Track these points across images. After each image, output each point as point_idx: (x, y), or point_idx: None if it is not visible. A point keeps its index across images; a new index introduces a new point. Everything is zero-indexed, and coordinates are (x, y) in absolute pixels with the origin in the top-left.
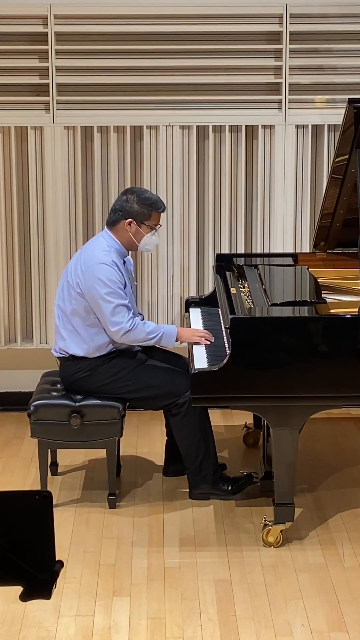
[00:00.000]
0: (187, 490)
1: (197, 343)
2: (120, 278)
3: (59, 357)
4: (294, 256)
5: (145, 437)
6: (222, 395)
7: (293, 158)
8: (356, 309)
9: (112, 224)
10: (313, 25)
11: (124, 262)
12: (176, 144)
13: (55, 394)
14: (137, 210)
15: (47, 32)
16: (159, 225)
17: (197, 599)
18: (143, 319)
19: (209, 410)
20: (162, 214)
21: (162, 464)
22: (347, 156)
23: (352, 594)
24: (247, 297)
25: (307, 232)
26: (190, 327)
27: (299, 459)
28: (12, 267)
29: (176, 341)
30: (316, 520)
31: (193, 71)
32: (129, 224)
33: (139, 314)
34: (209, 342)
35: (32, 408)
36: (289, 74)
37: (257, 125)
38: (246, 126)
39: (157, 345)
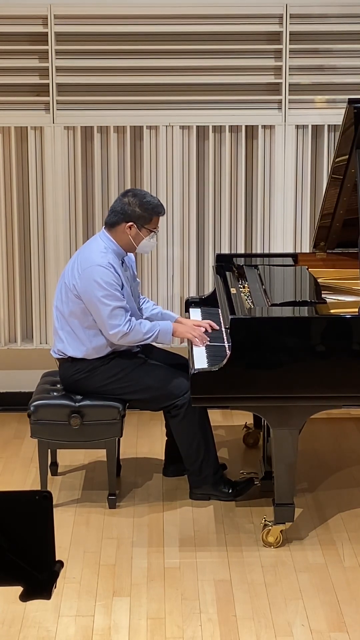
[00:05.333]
0: (187, 490)
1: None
2: (117, 279)
3: (57, 359)
4: (294, 256)
5: (145, 437)
6: (222, 395)
7: (293, 158)
8: (356, 309)
9: (111, 225)
10: (313, 26)
11: (123, 262)
12: (176, 144)
13: (55, 394)
14: (139, 214)
15: (47, 32)
16: (157, 229)
17: (197, 599)
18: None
19: (208, 411)
20: (161, 217)
21: (162, 464)
22: (347, 156)
23: (352, 594)
24: (247, 297)
25: (307, 232)
26: None
27: (299, 459)
28: (12, 267)
29: (173, 336)
30: (316, 520)
31: (193, 71)
32: (130, 227)
33: (143, 307)
34: (202, 344)
35: (32, 408)
36: (289, 74)
37: (257, 126)
38: (246, 126)
39: (154, 344)
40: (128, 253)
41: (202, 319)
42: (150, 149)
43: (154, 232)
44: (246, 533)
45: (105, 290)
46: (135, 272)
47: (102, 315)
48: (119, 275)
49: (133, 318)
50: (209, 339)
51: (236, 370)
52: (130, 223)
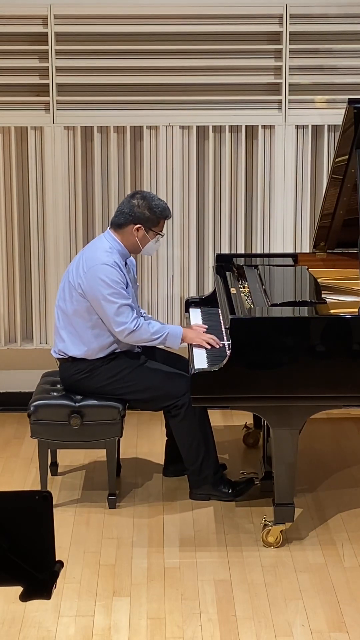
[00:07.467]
0: (187, 490)
1: (200, 345)
2: (122, 278)
3: (58, 359)
4: (294, 256)
5: (145, 437)
6: (222, 395)
7: (293, 158)
8: (356, 309)
9: (118, 226)
10: (313, 26)
11: (126, 263)
12: (176, 144)
13: (55, 394)
14: (148, 216)
15: (47, 32)
16: (163, 233)
17: (197, 599)
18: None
19: (208, 411)
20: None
21: (162, 464)
22: (347, 156)
23: (352, 594)
24: (247, 297)
25: (307, 232)
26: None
27: (299, 459)
28: (12, 267)
29: (181, 342)
30: (316, 520)
31: (193, 71)
32: (137, 229)
33: (142, 315)
34: (211, 347)
35: (32, 408)
36: (289, 74)
37: (257, 126)
38: (246, 126)
39: (162, 346)
40: (131, 255)
41: (202, 319)
42: (150, 149)
43: (160, 235)
44: (246, 533)
45: (112, 288)
46: (136, 277)
47: (108, 314)
48: (124, 274)
49: (141, 318)
50: (218, 346)
51: (236, 370)
52: (138, 225)
